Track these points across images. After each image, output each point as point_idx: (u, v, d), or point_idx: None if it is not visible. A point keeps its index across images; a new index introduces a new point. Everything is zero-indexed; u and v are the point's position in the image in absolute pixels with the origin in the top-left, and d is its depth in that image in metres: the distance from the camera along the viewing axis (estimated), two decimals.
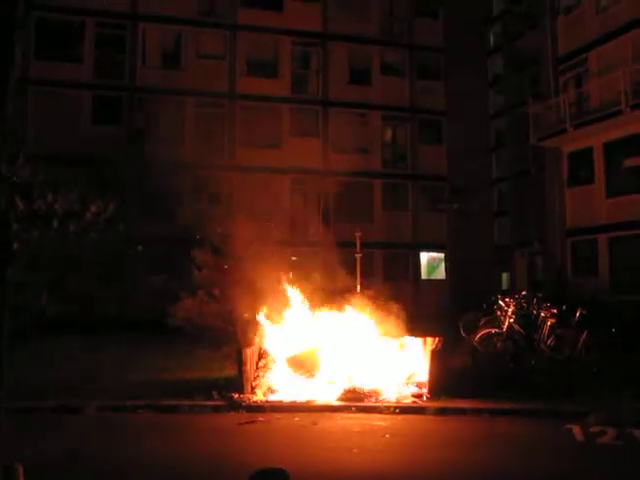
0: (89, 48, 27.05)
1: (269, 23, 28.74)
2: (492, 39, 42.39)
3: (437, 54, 32.01)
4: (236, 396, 10.50)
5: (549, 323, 13.41)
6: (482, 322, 15.18)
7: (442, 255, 31.63)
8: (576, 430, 8.78)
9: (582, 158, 23.11)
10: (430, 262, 31.83)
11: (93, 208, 19.89)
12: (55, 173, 19.99)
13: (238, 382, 10.80)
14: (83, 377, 11.89)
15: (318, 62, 30.24)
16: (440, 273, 31.66)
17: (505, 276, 37.38)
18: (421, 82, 31.60)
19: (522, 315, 13.85)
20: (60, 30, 26.50)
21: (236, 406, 10.13)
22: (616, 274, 21.30)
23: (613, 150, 21.74)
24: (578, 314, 13.53)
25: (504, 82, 39.59)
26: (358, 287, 15.32)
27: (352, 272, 16.36)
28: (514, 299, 14.16)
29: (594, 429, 8.82)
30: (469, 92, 36.11)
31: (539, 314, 13.69)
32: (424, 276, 31.42)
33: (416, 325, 12.47)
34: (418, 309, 25.30)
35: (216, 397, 10.44)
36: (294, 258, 19.53)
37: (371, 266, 26.66)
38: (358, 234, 15.97)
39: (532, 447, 8.13)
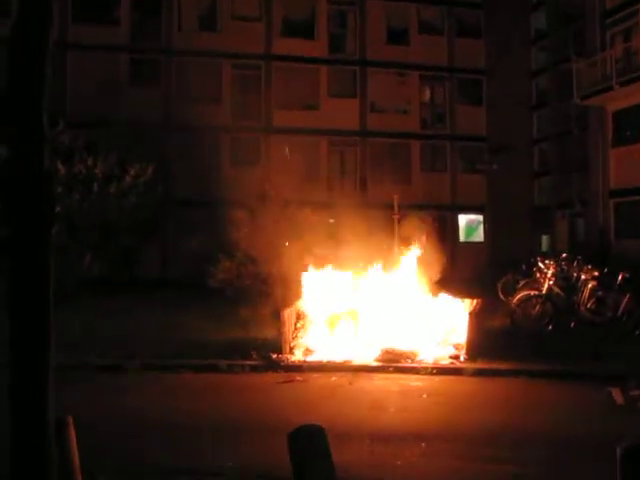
0: (126, 11, 27.05)
1: None
2: None
3: (476, 10, 31.16)
4: (274, 356, 10.68)
5: (590, 286, 13.24)
6: (521, 284, 15.09)
7: (481, 217, 31.28)
8: (615, 393, 8.70)
9: (628, 116, 22.41)
10: (468, 224, 31.52)
11: (132, 171, 20.30)
12: (94, 137, 20.40)
13: (276, 342, 10.97)
14: (126, 336, 12.22)
15: (355, 21, 29.73)
16: (479, 235, 31.35)
17: (545, 238, 36.74)
18: (460, 40, 30.85)
19: (562, 277, 13.70)
20: None
21: (274, 366, 10.30)
22: None
23: None
24: (620, 277, 13.33)
25: (547, 38, 38.33)
26: (396, 249, 15.29)
27: (390, 234, 16.33)
28: (554, 261, 14.01)
29: (634, 392, 8.73)
30: (510, 49, 35.07)
31: (580, 276, 13.52)
32: (462, 238, 31.15)
33: (454, 287, 12.43)
34: (456, 271, 25.20)
35: (255, 357, 10.63)
36: (332, 220, 19.54)
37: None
38: (396, 196, 15.88)
39: (570, 409, 8.10)
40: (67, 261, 15.32)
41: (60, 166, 17.78)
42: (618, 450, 3.36)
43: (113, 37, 26.42)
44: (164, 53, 27.16)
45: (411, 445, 6.48)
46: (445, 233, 30.23)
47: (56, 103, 23.81)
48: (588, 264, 13.87)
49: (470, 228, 31.47)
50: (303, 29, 28.85)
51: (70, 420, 4.30)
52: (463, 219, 31.30)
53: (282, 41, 28.26)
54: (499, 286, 17.07)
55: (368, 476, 5.50)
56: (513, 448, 6.40)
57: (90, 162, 19.00)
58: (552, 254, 18.99)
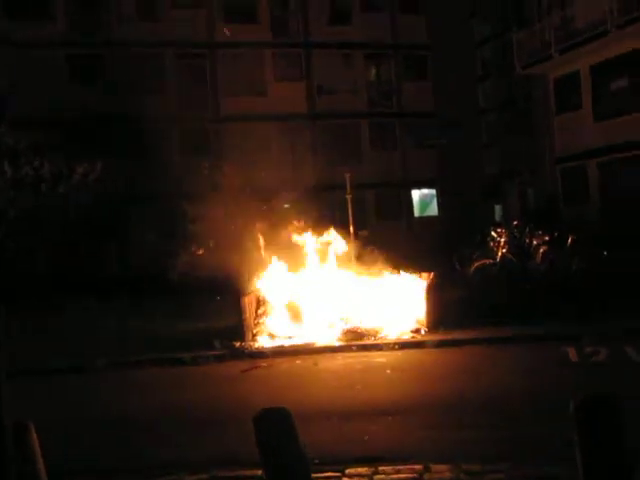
0: (61, 4, 26.33)
1: None
2: None
3: None
4: (238, 344, 10.71)
5: (542, 250, 13.60)
6: (476, 254, 15.38)
7: (433, 191, 31.64)
8: (571, 352, 9.02)
9: (569, 83, 22.87)
10: (422, 199, 31.87)
11: (80, 169, 19.96)
12: (37, 137, 19.91)
13: (239, 330, 10.98)
14: (87, 335, 12.07)
15: (296, 2, 29.52)
16: (432, 209, 31.74)
17: (498, 208, 37.49)
18: (403, 16, 30.91)
19: (515, 244, 14.04)
20: None
21: (238, 354, 10.34)
22: (606, 199, 21.38)
23: (600, 73, 21.48)
24: (570, 240, 13.73)
25: (488, 9, 38.76)
26: (351, 229, 15.37)
27: (344, 215, 16.40)
28: (506, 229, 14.33)
29: (588, 350, 9.06)
30: (452, 22, 35.40)
31: (532, 242, 13.88)
32: (417, 213, 31.51)
33: (411, 262, 12.60)
34: (413, 246, 25.49)
35: (218, 347, 10.64)
36: (287, 205, 19.53)
37: (363, 207, 26.69)
38: (347, 175, 15.87)
39: (529, 371, 8.34)
40: (21, 263, 15.05)
41: (7, 168, 17.35)
42: (571, 404, 3.52)
43: (50, 32, 25.69)
44: (105, 46, 26.58)
45: (378, 420, 6.60)
46: (400, 209, 30.52)
47: None
48: (539, 230, 14.22)
49: (424, 202, 31.83)
50: (245, 14, 28.48)
51: (30, 425, 4.26)
52: (416, 194, 31.62)
53: (224, 27, 27.90)
54: (455, 257, 17.35)
55: (337, 453, 5.58)
56: (475, 414, 6.56)
57: (37, 163, 18.59)
58: (504, 223, 19.40)
